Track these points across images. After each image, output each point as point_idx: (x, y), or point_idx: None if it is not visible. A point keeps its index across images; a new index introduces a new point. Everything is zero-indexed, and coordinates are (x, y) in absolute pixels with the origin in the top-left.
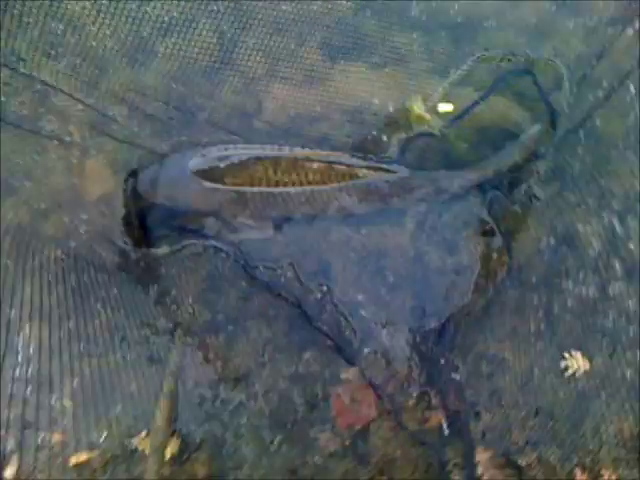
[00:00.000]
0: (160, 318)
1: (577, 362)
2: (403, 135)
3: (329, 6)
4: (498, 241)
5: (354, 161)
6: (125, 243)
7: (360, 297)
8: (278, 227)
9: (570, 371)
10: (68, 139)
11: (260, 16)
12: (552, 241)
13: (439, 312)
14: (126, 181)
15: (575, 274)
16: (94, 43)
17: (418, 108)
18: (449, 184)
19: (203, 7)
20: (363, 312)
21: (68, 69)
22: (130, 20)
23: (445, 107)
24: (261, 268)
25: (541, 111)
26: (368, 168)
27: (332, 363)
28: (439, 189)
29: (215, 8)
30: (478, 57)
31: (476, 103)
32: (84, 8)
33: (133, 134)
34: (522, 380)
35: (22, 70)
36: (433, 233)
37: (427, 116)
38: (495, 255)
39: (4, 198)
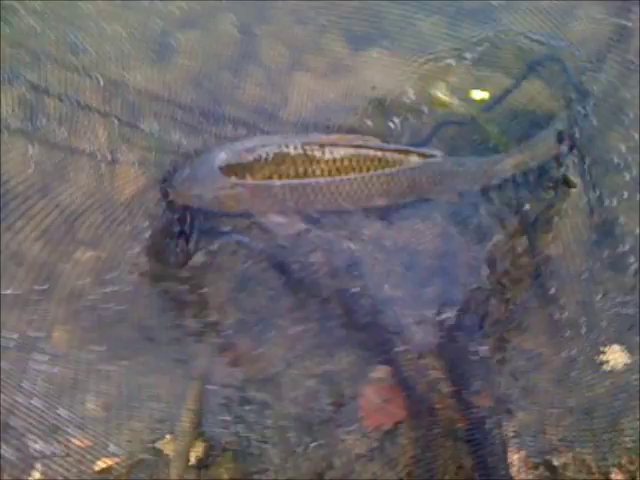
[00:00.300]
0: (189, 318)
1: (615, 356)
2: (431, 122)
3: None
4: (531, 229)
5: (384, 145)
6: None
7: (392, 293)
8: (308, 222)
9: (608, 366)
10: (99, 153)
11: (281, 5)
12: (590, 229)
13: (471, 307)
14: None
15: (614, 263)
16: (112, 43)
17: (442, 94)
18: (487, 172)
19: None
20: (395, 309)
21: (88, 76)
22: (151, 15)
23: (480, 94)
24: (292, 266)
25: (573, 95)
26: (400, 152)
27: (362, 362)
28: (476, 177)
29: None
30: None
31: (509, 92)
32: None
33: (160, 135)
34: (558, 376)
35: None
36: (464, 226)
37: (450, 101)
38: (529, 245)
39: (37, 199)
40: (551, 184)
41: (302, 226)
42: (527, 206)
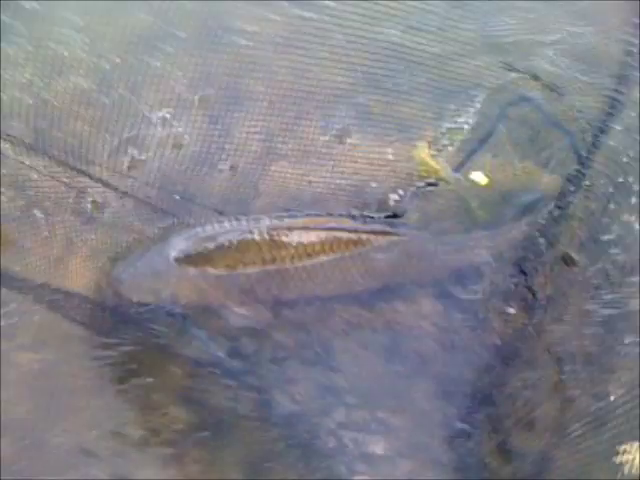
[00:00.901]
0: (132, 425)
1: (635, 455)
2: (410, 192)
3: (327, 82)
4: (529, 311)
5: (358, 226)
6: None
7: (370, 393)
8: (275, 312)
9: (627, 468)
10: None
11: (257, 96)
12: (597, 312)
13: (467, 405)
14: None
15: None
16: (85, 129)
17: (424, 154)
18: (469, 249)
19: (198, 90)
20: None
21: (53, 154)
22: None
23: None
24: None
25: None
26: (374, 233)
27: None
28: (457, 254)
29: (210, 92)
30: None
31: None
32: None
33: (122, 219)
34: None
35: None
36: (454, 308)
37: (434, 162)
38: (529, 328)
39: None
40: (551, 262)
41: (269, 317)
42: (523, 285)
